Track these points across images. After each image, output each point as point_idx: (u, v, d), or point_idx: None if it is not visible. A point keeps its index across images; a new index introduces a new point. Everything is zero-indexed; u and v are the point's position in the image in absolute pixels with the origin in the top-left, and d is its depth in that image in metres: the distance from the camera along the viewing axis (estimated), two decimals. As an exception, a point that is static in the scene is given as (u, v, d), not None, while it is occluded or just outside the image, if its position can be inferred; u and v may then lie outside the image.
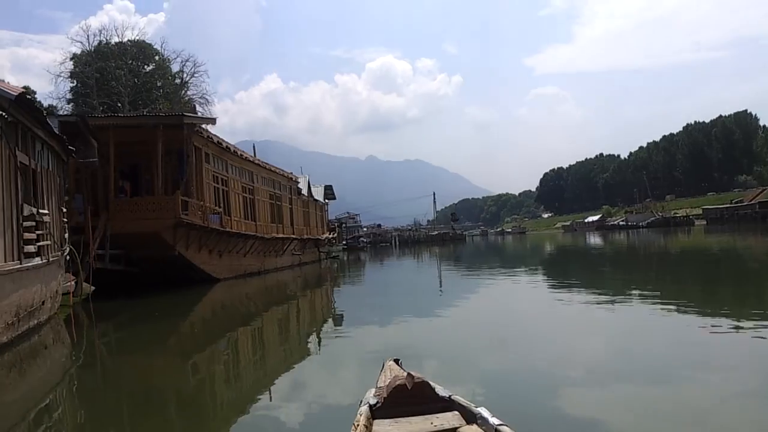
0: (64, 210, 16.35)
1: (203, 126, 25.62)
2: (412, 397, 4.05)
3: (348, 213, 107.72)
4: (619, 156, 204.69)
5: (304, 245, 42.55)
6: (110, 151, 22.28)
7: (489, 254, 56.56)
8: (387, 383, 4.18)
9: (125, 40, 58.90)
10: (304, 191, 44.86)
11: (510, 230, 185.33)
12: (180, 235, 22.64)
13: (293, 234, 38.97)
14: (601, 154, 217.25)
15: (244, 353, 11.34)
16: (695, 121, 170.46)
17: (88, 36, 56.43)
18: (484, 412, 3.77)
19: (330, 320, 15.49)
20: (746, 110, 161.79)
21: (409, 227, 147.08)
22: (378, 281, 30.82)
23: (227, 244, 26.77)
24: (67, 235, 16.55)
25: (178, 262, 23.03)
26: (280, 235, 35.48)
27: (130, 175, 25.59)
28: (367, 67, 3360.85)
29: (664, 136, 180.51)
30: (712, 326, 10.01)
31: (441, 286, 24.19)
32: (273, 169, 36.71)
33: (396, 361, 4.84)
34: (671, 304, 13.35)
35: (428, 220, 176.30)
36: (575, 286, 18.80)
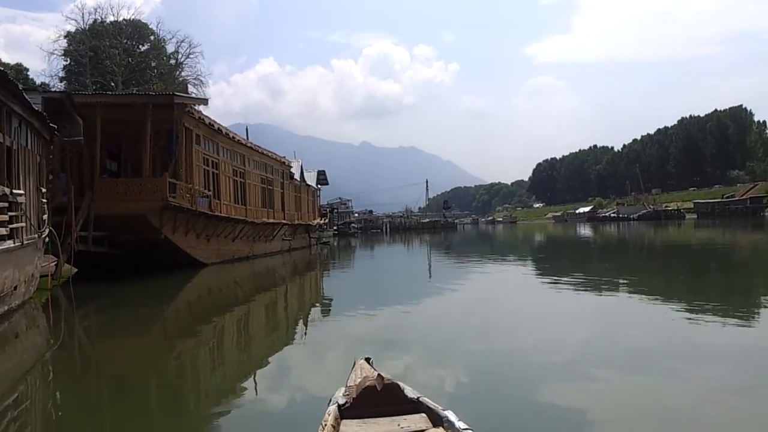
0: (44, 190, 15.63)
1: (195, 106, 24.95)
2: (381, 397, 4.06)
3: (340, 198, 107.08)
4: (612, 148, 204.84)
5: (295, 231, 42.03)
6: (97, 129, 21.60)
7: (480, 243, 56.84)
8: (357, 383, 4.19)
9: (120, 19, 58.29)
10: (297, 176, 44.14)
11: (501, 219, 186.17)
12: (167, 218, 22.06)
13: (284, 219, 38.29)
14: (595, 146, 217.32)
15: (228, 340, 11.10)
16: (690, 115, 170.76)
17: (83, 14, 56.02)
18: (451, 415, 3.77)
19: (318, 307, 15.25)
20: (741, 105, 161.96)
21: (401, 214, 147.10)
22: (368, 268, 30.67)
23: (216, 228, 26.21)
24: (46, 216, 15.86)
25: (164, 246, 22.47)
26: (271, 220, 34.89)
27: (118, 155, 24.94)
28: (364, 53, 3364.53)
29: (659, 129, 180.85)
30: (697, 318, 10.26)
31: (430, 274, 24.31)
32: (265, 152, 35.98)
33: (367, 360, 4.83)
34: (657, 295, 13.67)
35: (420, 208, 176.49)
36: (563, 275, 18.88)
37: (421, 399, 4.10)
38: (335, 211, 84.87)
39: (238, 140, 30.92)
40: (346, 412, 4.00)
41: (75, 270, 19.01)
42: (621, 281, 16.96)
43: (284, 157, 41.04)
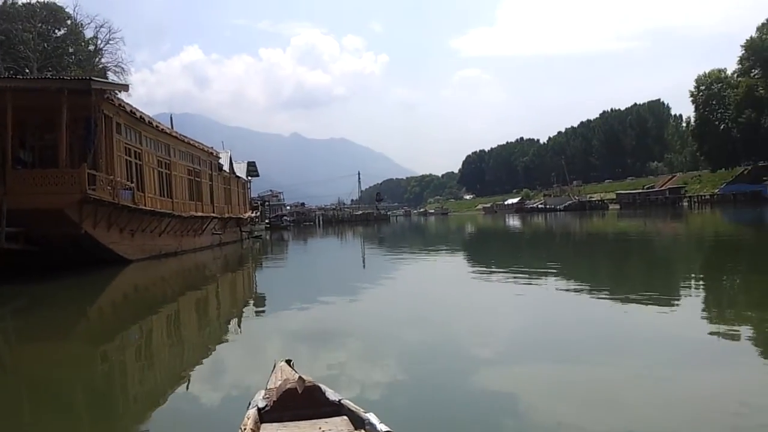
0: None
1: (115, 93, 23.54)
2: (302, 400, 4.02)
3: (271, 191, 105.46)
4: (538, 140, 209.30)
5: (225, 224, 40.76)
6: (7, 117, 20.04)
7: (412, 235, 57.06)
8: (277, 386, 4.12)
9: (34, 1, 55.40)
10: (226, 167, 42.82)
11: (433, 211, 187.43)
12: (87, 213, 20.70)
13: (213, 212, 37.02)
14: (522, 138, 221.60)
15: (156, 341, 10.47)
16: (612, 109, 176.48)
17: None
18: (372, 418, 3.68)
19: (251, 303, 14.86)
20: (659, 99, 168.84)
21: (334, 206, 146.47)
22: (302, 262, 30.09)
23: (140, 223, 24.90)
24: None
25: (84, 242, 21.11)
26: (199, 214, 33.60)
27: (33, 145, 23.33)
28: (293, 42, 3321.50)
29: (582, 122, 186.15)
30: (623, 306, 10.61)
31: (364, 265, 24.40)
32: (192, 143, 34.60)
33: (288, 362, 4.69)
34: (585, 283, 14.05)
35: (352, 200, 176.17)
36: (494, 266, 19.23)
37: (342, 401, 4.03)
38: (267, 204, 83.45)
39: (163, 129, 29.45)
40: (266, 415, 3.90)
41: None
42: (550, 271, 17.05)
43: (212, 147, 39.70)
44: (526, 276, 15.81)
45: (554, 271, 17.24)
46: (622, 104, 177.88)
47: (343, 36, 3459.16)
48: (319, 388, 4.11)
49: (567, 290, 13.18)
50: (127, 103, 25.18)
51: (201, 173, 35.97)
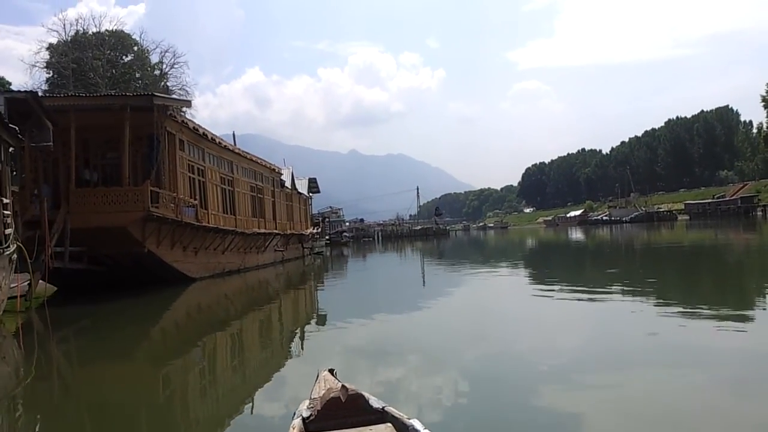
0: (5, 200, 13.78)
1: (178, 110, 23.32)
2: (345, 409, 4.02)
3: (331, 207, 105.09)
4: (600, 151, 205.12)
5: (288, 241, 40.41)
6: (71, 136, 19.91)
7: (472, 249, 56.32)
8: (321, 395, 4.13)
9: (103, 30, 57.13)
10: (288, 183, 42.52)
11: (492, 225, 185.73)
12: (150, 230, 20.38)
13: (276, 229, 36.64)
14: (583, 149, 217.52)
15: (221, 361, 10.31)
16: (677, 117, 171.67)
17: (64, 25, 54.74)
18: (417, 424, 3.77)
19: (313, 320, 14.56)
20: (728, 105, 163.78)
21: (392, 222, 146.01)
22: (363, 278, 29.40)
23: (204, 240, 24.54)
24: (9, 231, 14.04)
25: (148, 261, 20.82)
26: (262, 230, 33.24)
27: (97, 164, 23.26)
28: (350, 61, 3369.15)
29: (646, 132, 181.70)
30: (690, 320, 10.30)
31: (424, 283, 23.78)
32: (254, 159, 34.30)
33: (331, 371, 4.74)
34: (650, 297, 13.58)
35: (410, 215, 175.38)
36: (558, 280, 18.86)
37: (386, 409, 4.05)
38: (327, 220, 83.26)
39: (225, 146, 29.22)
40: (310, 425, 3.94)
41: (55, 289, 17.51)
42: (616, 284, 16.68)
43: (274, 164, 39.41)
44: (591, 290, 15.54)
45: (621, 284, 16.91)
46: (687, 112, 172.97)
47: (400, 53, 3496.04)
48: (363, 396, 4.10)
49: (633, 304, 12.89)
50: (190, 120, 25.08)
51: (263, 189, 35.64)
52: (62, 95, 23.09)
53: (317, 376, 4.69)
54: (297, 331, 12.79)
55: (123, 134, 20.42)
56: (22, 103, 14.94)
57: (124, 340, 12.27)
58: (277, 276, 29.63)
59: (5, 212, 13.50)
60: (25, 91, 14.89)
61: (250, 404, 6.97)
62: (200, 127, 25.67)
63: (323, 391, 4.19)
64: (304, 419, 3.97)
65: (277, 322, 14.65)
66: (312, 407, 4.06)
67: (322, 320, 13.99)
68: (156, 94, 23.29)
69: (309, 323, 14.08)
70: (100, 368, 9.78)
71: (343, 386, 4.12)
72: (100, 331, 13.92)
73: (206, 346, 11.37)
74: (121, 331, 13.68)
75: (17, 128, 13.89)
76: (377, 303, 16.43)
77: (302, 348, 10.49)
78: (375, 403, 4.10)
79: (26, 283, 16.27)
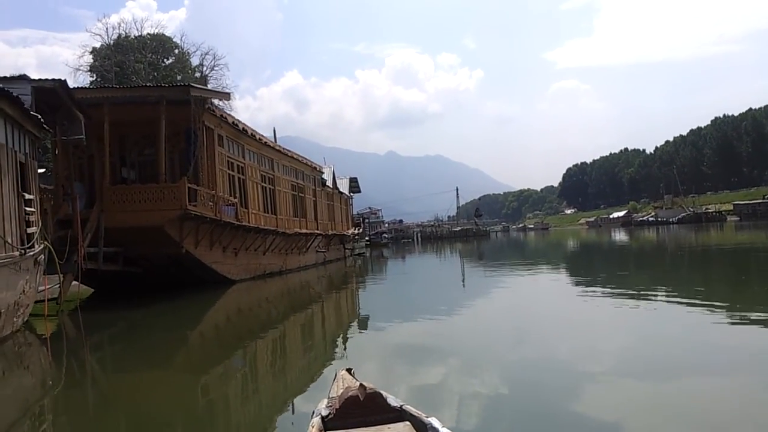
0: (27, 197, 12.48)
1: (216, 103, 22.27)
2: (364, 407, 4.03)
3: (370, 208, 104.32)
4: (644, 150, 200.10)
5: (329, 241, 39.42)
6: (105, 131, 18.99)
7: (513, 251, 55.52)
8: (339, 394, 4.16)
9: (145, 33, 57.38)
10: (329, 182, 41.57)
11: (533, 226, 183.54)
12: (187, 230, 19.35)
13: (317, 229, 35.65)
14: (626, 149, 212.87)
15: (262, 367, 9.89)
16: (724, 115, 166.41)
17: (107, 30, 54.88)
18: (435, 422, 3.76)
19: (355, 324, 14.19)
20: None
21: (431, 223, 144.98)
22: (403, 280, 28.62)
23: (244, 241, 23.50)
24: (33, 230, 12.95)
25: (186, 262, 19.83)
26: (304, 231, 32.27)
27: (134, 162, 22.39)
28: (388, 63, 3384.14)
29: (692, 130, 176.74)
30: (741, 326, 9.92)
31: (464, 284, 23.55)
32: (296, 156, 33.30)
33: (349, 370, 4.77)
34: (696, 301, 12.90)
35: (449, 216, 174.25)
36: (599, 283, 18.64)
37: (404, 407, 4.06)
38: (366, 221, 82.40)
39: (266, 142, 28.15)
40: (329, 423, 3.94)
41: (90, 292, 17.20)
42: (661, 287, 16.49)
43: (315, 163, 38.38)
44: (636, 292, 15.19)
45: (669, 287, 16.54)
46: (734, 110, 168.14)
47: (438, 54, 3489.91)
48: (381, 394, 4.12)
49: (679, 307, 12.35)
50: (229, 114, 24.00)
51: (305, 188, 34.70)
52: (95, 87, 22.22)
53: (335, 375, 4.78)
54: (339, 334, 12.54)
55: (159, 129, 19.44)
56: (51, 94, 13.88)
57: (161, 346, 11.82)
58: (318, 278, 28.86)
59: (27, 209, 12.39)
60: (53, 80, 13.80)
61: (290, 410, 6.72)
62: (240, 122, 24.67)
63: (341, 390, 4.21)
64: (323, 417, 3.97)
65: (319, 326, 14.34)
66: (330, 406, 4.07)
67: (363, 323, 13.71)
68: (193, 85, 22.19)
69: (351, 326, 13.77)
70: (135, 376, 9.28)
71: (361, 385, 4.13)
72: (136, 336, 13.32)
73: (247, 352, 10.99)
74: (158, 335, 13.21)
75: (40, 117, 12.76)
76: (418, 305, 16.15)
77: (345, 351, 10.20)
78: (393, 401, 4.11)
79: (56, 286, 15.30)
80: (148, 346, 11.84)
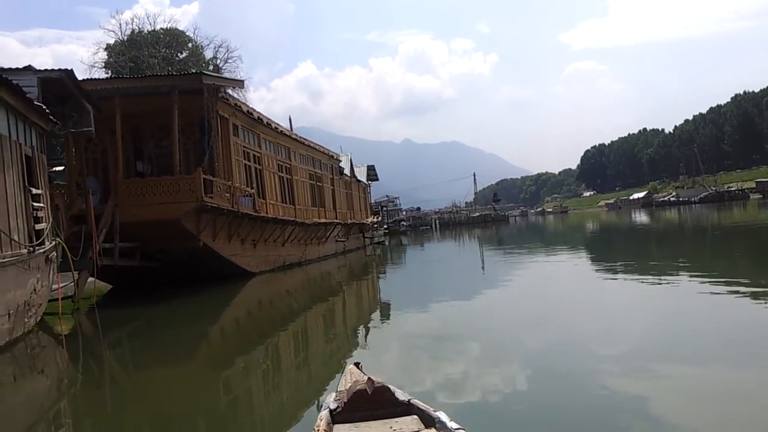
0: (34, 192, 11.98)
1: (230, 91, 21.72)
2: (372, 401, 4.06)
3: (387, 196, 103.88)
4: (663, 130, 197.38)
5: (349, 231, 38.92)
6: (117, 123, 18.52)
7: (532, 235, 55.72)
8: (347, 387, 4.18)
9: (158, 28, 57.26)
10: (347, 171, 41.02)
11: (551, 210, 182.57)
12: (205, 222, 18.85)
13: (336, 218, 35.16)
14: (645, 129, 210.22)
15: (285, 361, 9.69)
16: (744, 92, 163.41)
17: (120, 26, 54.94)
18: (442, 416, 3.76)
19: (377, 313, 14.04)
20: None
21: (449, 209, 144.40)
22: (423, 268, 28.10)
23: (262, 232, 23.01)
24: (44, 226, 12.44)
25: (204, 255, 19.37)
26: (323, 220, 31.78)
27: (150, 155, 21.96)
28: (401, 50, 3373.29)
29: (711, 108, 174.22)
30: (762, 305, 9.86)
31: (483, 269, 23.56)
32: (313, 145, 32.74)
33: (357, 364, 4.78)
34: (723, 282, 12.63)
35: (467, 202, 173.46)
36: (621, 266, 18.31)
37: (412, 401, 4.08)
38: (384, 209, 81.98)
39: (282, 131, 27.52)
40: (337, 416, 3.96)
41: (108, 288, 17.51)
42: (685, 268, 16.29)
43: (332, 151, 37.82)
44: (659, 274, 15.10)
45: (691, 266, 16.62)
46: (754, 86, 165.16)
47: (452, 39, 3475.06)
48: (389, 388, 4.15)
49: (704, 289, 12.05)
50: (244, 103, 23.45)
51: (322, 177, 34.18)
52: (105, 78, 21.75)
53: (343, 369, 4.79)
54: (361, 325, 12.30)
55: (172, 119, 18.94)
56: (59, 85, 13.37)
57: (180, 342, 11.60)
58: (339, 268, 28.47)
59: (35, 205, 11.90)
60: (59, 70, 13.29)
61: (310, 404, 6.52)
62: (254, 110, 24.08)
63: (350, 384, 4.22)
64: (331, 411, 3.98)
65: (340, 317, 14.08)
66: (339, 399, 4.08)
67: (385, 312, 13.57)
68: (205, 73, 21.66)
69: (372, 316, 13.45)
70: (155, 373, 9.11)
71: (369, 379, 4.16)
72: (155, 332, 13.13)
73: (268, 345, 10.78)
74: (178, 331, 12.96)
75: (46, 108, 12.25)
76: (439, 293, 15.87)
77: (366, 342, 10.05)
78: (401, 395, 4.12)
79: (71, 284, 14.88)
80: (168, 342, 11.62)
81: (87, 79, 18.81)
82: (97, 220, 16.61)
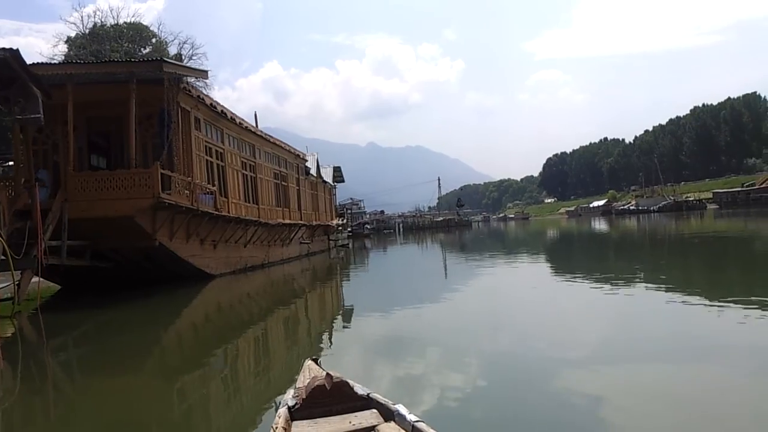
0: None
1: (191, 82, 20.64)
2: (331, 396, 4.05)
3: (351, 199, 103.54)
4: (623, 140, 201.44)
5: (314, 232, 38.03)
6: (69, 112, 17.32)
7: (494, 240, 55.49)
8: (306, 384, 4.14)
9: (121, 22, 55.68)
10: (313, 171, 40.13)
11: (513, 216, 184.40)
12: (161, 220, 17.73)
13: (301, 219, 34.21)
14: (606, 138, 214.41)
15: (244, 365, 9.36)
16: (703, 104, 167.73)
17: (82, 18, 53.29)
18: (401, 409, 3.79)
19: (339, 318, 13.75)
20: (755, 92, 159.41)
21: (413, 213, 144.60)
22: (387, 272, 28.11)
23: (223, 232, 21.96)
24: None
25: (160, 255, 18.30)
26: (287, 221, 30.75)
27: (106, 148, 20.74)
28: (369, 53, 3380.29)
29: (671, 120, 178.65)
30: (720, 311, 9.94)
31: (446, 274, 23.08)
32: (278, 143, 31.67)
33: (315, 360, 4.76)
34: (677, 288, 13.17)
35: (430, 207, 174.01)
36: (580, 271, 18.81)
37: (371, 395, 4.08)
38: (348, 212, 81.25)
39: (247, 127, 26.43)
40: (296, 413, 3.96)
41: (56, 289, 16.76)
42: (640, 275, 16.66)
43: (299, 150, 36.83)
44: (614, 280, 15.33)
45: (645, 273, 16.93)
46: (714, 99, 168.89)
47: (419, 44, 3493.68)
48: (347, 383, 4.11)
49: (659, 293, 12.65)
50: (207, 95, 22.34)
51: (288, 177, 33.18)
52: (57, 63, 20.45)
53: (302, 365, 4.69)
54: (323, 329, 12.02)
55: (129, 110, 17.78)
56: (3, 66, 12.22)
57: (132, 347, 10.88)
58: (303, 271, 27.53)
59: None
60: (4, 49, 12.12)
61: (268, 407, 6.27)
62: (218, 104, 22.97)
63: (308, 380, 4.16)
64: (289, 408, 3.94)
65: (303, 321, 13.57)
66: (297, 396, 4.04)
67: (348, 317, 13.33)
68: (166, 60, 20.53)
69: (335, 321, 13.32)
70: (103, 381, 8.43)
71: (327, 374, 4.12)
72: (105, 337, 12.33)
73: (227, 350, 10.33)
74: (130, 336, 12.19)
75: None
76: (402, 296, 15.93)
77: (330, 346, 9.77)
78: (360, 389, 4.10)
79: (12, 284, 13.73)
80: (119, 348, 10.83)
81: (37, 63, 17.45)
82: (44, 216, 15.38)
